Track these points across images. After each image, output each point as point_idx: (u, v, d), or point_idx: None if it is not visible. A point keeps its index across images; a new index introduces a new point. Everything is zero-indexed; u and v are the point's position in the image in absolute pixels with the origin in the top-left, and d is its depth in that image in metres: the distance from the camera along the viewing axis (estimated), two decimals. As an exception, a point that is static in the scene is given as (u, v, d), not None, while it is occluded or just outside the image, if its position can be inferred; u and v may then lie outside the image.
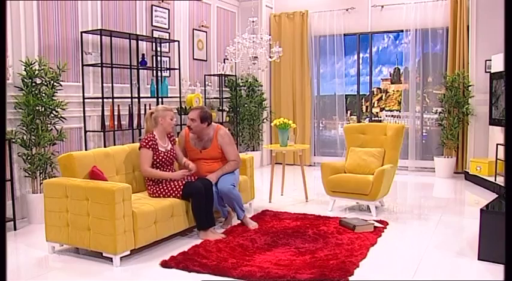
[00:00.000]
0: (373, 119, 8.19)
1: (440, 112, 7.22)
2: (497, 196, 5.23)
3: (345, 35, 8.03)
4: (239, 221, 4.33)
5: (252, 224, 4.28)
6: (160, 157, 4.03)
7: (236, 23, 8.35)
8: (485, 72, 6.75)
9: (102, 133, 5.43)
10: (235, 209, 4.27)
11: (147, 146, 3.97)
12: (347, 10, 7.94)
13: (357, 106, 8.29)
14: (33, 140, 4.45)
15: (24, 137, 4.45)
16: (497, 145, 5.90)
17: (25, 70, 4.41)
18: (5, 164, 4.09)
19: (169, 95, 6.36)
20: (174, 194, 3.95)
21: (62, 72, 4.63)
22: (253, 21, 6.27)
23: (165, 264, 3.33)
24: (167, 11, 6.63)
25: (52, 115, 4.56)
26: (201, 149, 4.38)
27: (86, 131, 5.30)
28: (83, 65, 5.26)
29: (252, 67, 5.94)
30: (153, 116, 4.11)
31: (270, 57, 6.59)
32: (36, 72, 4.44)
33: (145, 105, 6.04)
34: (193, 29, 7.24)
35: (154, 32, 6.37)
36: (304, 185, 5.51)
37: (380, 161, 4.94)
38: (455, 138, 7.03)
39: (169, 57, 6.66)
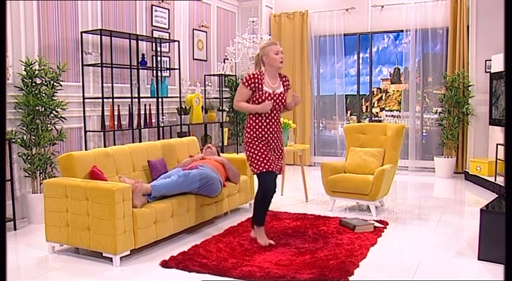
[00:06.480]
0: (373, 119, 8.18)
1: (440, 112, 7.22)
2: (497, 196, 5.23)
3: (345, 35, 8.03)
4: (239, 221, 4.31)
5: None
6: (264, 97, 3.61)
7: (236, 23, 8.35)
8: (485, 72, 6.75)
9: (102, 133, 5.43)
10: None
11: (246, 83, 3.63)
12: (347, 10, 7.94)
13: (357, 106, 8.28)
14: (33, 140, 4.45)
15: (24, 137, 4.45)
16: (497, 144, 5.90)
17: (25, 70, 4.41)
18: (5, 164, 4.09)
19: (169, 95, 6.36)
20: (260, 165, 3.64)
21: (62, 72, 4.63)
22: (253, 21, 6.28)
23: (165, 264, 3.33)
24: (167, 11, 6.63)
25: (52, 115, 4.56)
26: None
27: (86, 131, 5.30)
28: (83, 65, 5.26)
29: (252, 67, 5.94)
30: (260, 57, 3.71)
31: (270, 57, 6.60)
32: (36, 72, 4.44)
33: (145, 105, 6.03)
34: (193, 29, 7.24)
35: (154, 32, 6.37)
36: (304, 185, 5.51)
37: (380, 161, 4.94)
38: (455, 138, 7.03)
39: (169, 57, 6.66)
